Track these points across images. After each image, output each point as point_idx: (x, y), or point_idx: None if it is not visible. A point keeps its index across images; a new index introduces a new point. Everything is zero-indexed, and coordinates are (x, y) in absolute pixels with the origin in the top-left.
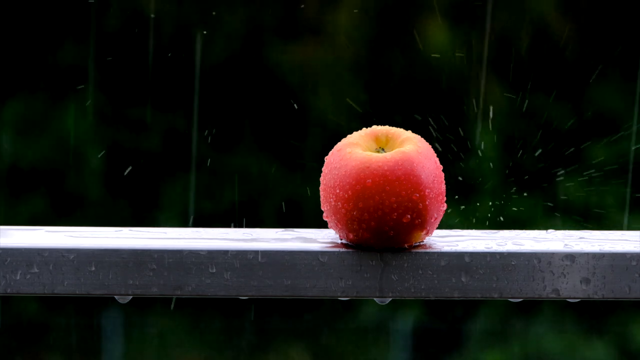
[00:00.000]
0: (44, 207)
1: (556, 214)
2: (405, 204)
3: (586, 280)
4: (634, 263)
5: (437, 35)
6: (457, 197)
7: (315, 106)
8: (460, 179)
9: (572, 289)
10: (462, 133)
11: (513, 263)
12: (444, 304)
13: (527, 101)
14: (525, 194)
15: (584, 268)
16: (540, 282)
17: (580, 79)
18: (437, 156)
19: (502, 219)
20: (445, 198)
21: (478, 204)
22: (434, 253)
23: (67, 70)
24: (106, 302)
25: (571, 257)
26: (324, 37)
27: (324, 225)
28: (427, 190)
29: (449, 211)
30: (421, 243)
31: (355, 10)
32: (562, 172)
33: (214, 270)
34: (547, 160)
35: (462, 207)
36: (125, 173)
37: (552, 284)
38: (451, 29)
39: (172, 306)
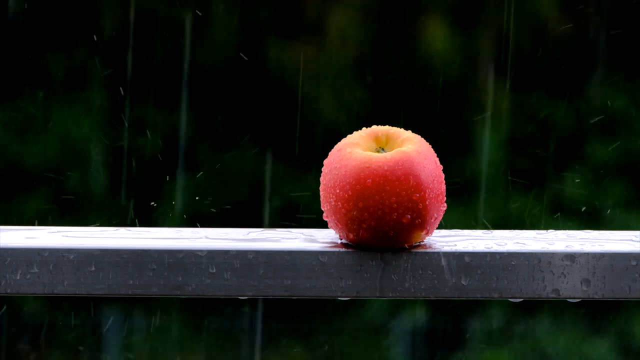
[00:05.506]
0: (44, 207)
1: (556, 214)
2: (405, 204)
3: (586, 280)
4: (634, 263)
5: (437, 35)
6: (457, 197)
7: (315, 106)
8: (460, 179)
9: (572, 289)
10: (462, 133)
11: (513, 263)
12: (445, 304)
13: (528, 101)
14: (525, 194)
15: (584, 268)
16: (540, 282)
17: (581, 78)
18: (437, 156)
19: (502, 219)
20: (445, 198)
21: (478, 204)
22: (434, 253)
23: (68, 69)
24: (106, 302)
25: (571, 257)
26: (324, 37)
27: (324, 225)
28: (427, 190)
29: (449, 211)
30: (421, 243)
31: (355, 10)
32: (563, 171)
33: (214, 270)
34: (548, 159)
35: (462, 207)
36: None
37: (552, 284)
38: (452, 29)
39: (172, 306)
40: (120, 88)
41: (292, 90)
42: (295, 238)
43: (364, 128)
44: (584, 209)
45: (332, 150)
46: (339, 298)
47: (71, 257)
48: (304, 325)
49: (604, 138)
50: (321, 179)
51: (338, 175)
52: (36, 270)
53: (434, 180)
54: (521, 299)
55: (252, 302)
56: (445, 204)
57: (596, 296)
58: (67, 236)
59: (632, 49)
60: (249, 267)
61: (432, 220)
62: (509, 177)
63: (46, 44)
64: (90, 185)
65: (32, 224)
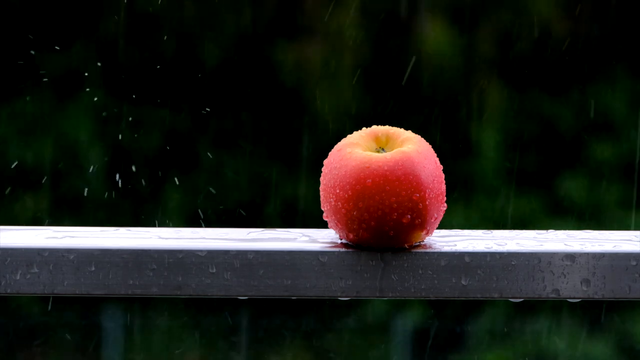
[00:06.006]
0: (44, 207)
1: (556, 213)
2: (405, 204)
3: (586, 280)
4: (634, 263)
5: (437, 35)
6: (457, 197)
7: (315, 106)
8: (460, 179)
9: (572, 289)
10: (462, 133)
11: (513, 263)
12: (445, 304)
13: (527, 100)
14: (525, 194)
15: (584, 268)
16: (540, 282)
17: (581, 78)
18: (437, 156)
19: (502, 219)
20: (445, 198)
21: (478, 204)
22: (434, 253)
23: (68, 70)
24: (106, 302)
25: (571, 257)
26: (324, 37)
27: (324, 225)
28: (427, 190)
29: (449, 211)
30: (421, 243)
31: (355, 10)
32: (563, 171)
33: (214, 270)
34: (548, 159)
35: (463, 207)
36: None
37: (552, 284)
38: (451, 29)
39: (172, 306)
40: (120, 88)
41: (293, 90)
42: (295, 238)
43: (364, 128)
44: (584, 208)
45: (332, 150)
46: (339, 298)
47: (71, 257)
48: (304, 325)
49: (604, 138)
50: (321, 179)
51: (338, 175)
52: (36, 270)
53: (434, 180)
54: (521, 299)
55: (252, 301)
56: (445, 204)
57: (596, 296)
58: (67, 236)
59: (633, 49)
60: (249, 267)
61: (432, 220)
62: (509, 177)
63: (46, 43)
64: (90, 185)
65: (32, 224)
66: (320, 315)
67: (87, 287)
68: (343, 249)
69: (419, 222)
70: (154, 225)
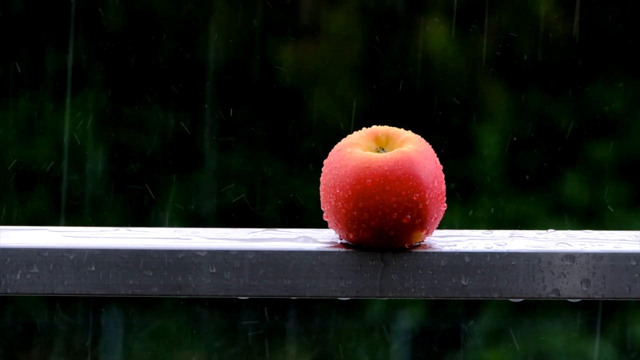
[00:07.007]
0: (44, 207)
1: (556, 213)
2: (405, 204)
3: (586, 280)
4: (634, 263)
5: (437, 35)
6: (457, 197)
7: (315, 106)
8: (460, 179)
9: (572, 289)
10: (462, 133)
11: (513, 263)
12: (445, 304)
13: (527, 100)
14: (525, 194)
15: (584, 268)
16: (540, 282)
17: (581, 78)
18: (437, 156)
19: (502, 219)
20: (445, 198)
21: (478, 204)
22: (434, 253)
23: (68, 69)
24: (106, 302)
25: (571, 257)
26: (324, 37)
27: (324, 225)
28: (427, 190)
29: (449, 211)
30: (421, 243)
31: (355, 10)
32: (563, 171)
33: (214, 270)
34: (548, 159)
35: (462, 207)
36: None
37: (552, 284)
38: (451, 29)
39: (172, 306)
40: (120, 88)
41: (292, 90)
42: (295, 238)
43: (364, 128)
44: (584, 208)
45: (332, 150)
46: (339, 298)
47: (71, 257)
48: (304, 325)
49: (603, 138)
50: (321, 179)
51: (338, 175)
52: (36, 270)
53: (434, 180)
54: (521, 299)
55: (252, 301)
56: (445, 204)
57: (596, 296)
58: (67, 236)
59: (632, 49)
60: (249, 267)
61: (432, 220)
62: (509, 177)
63: (46, 43)
64: (90, 185)
65: (32, 224)
66: (320, 315)
67: (87, 287)
68: (343, 249)
69: (419, 222)
70: (154, 225)
